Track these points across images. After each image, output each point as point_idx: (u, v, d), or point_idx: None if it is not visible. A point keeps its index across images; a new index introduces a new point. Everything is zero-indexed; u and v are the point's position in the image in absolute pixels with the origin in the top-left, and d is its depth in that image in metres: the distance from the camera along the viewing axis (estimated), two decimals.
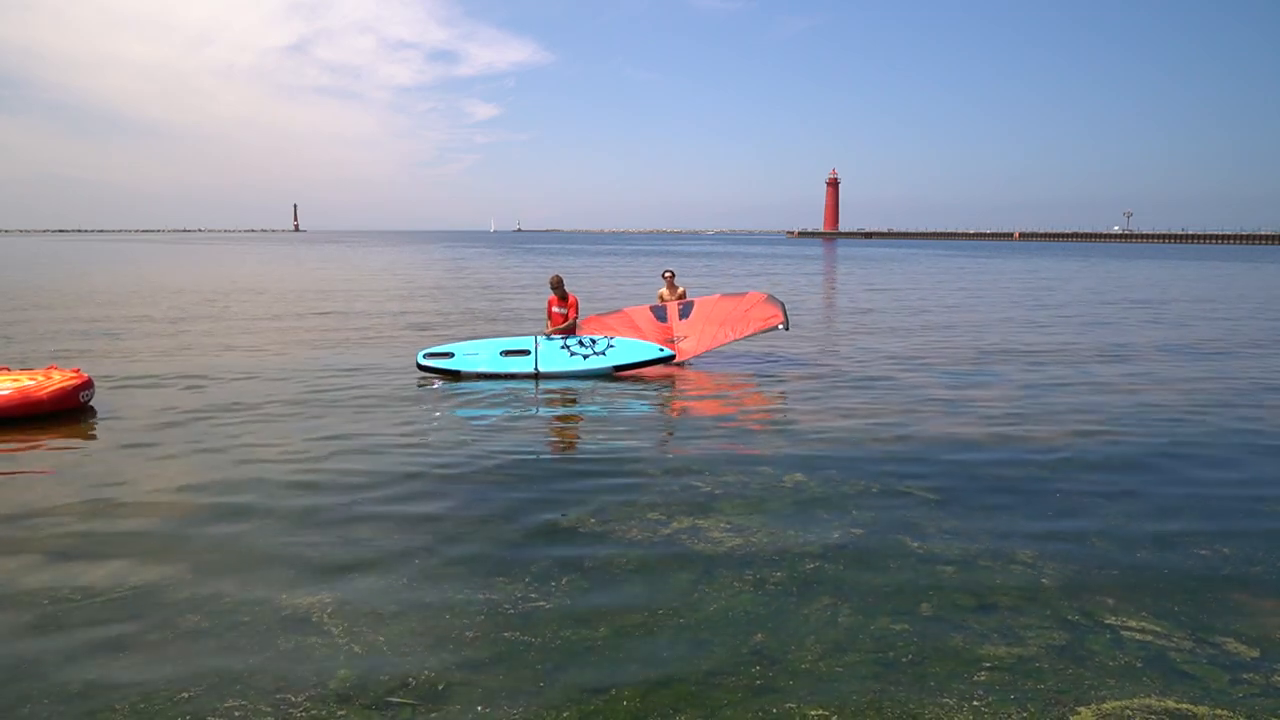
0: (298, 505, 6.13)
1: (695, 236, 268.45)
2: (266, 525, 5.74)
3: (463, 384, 10.95)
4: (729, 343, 12.18)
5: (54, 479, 6.84)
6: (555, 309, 12.02)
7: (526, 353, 11.44)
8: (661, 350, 11.41)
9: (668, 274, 13.60)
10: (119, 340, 15.14)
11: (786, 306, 12.24)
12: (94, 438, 8.17)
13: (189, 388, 10.59)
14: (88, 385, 9.16)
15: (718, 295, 12.87)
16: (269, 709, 3.57)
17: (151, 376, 11.36)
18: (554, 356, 11.38)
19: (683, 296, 12.98)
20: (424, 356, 11.60)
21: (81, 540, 5.46)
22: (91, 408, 9.17)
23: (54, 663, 3.95)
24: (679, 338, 12.16)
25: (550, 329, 11.98)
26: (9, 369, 9.46)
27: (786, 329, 11.98)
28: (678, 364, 11.92)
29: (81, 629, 4.27)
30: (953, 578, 4.90)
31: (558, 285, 12.08)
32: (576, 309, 12.01)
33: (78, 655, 4.01)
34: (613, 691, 3.70)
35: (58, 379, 8.92)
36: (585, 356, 11.34)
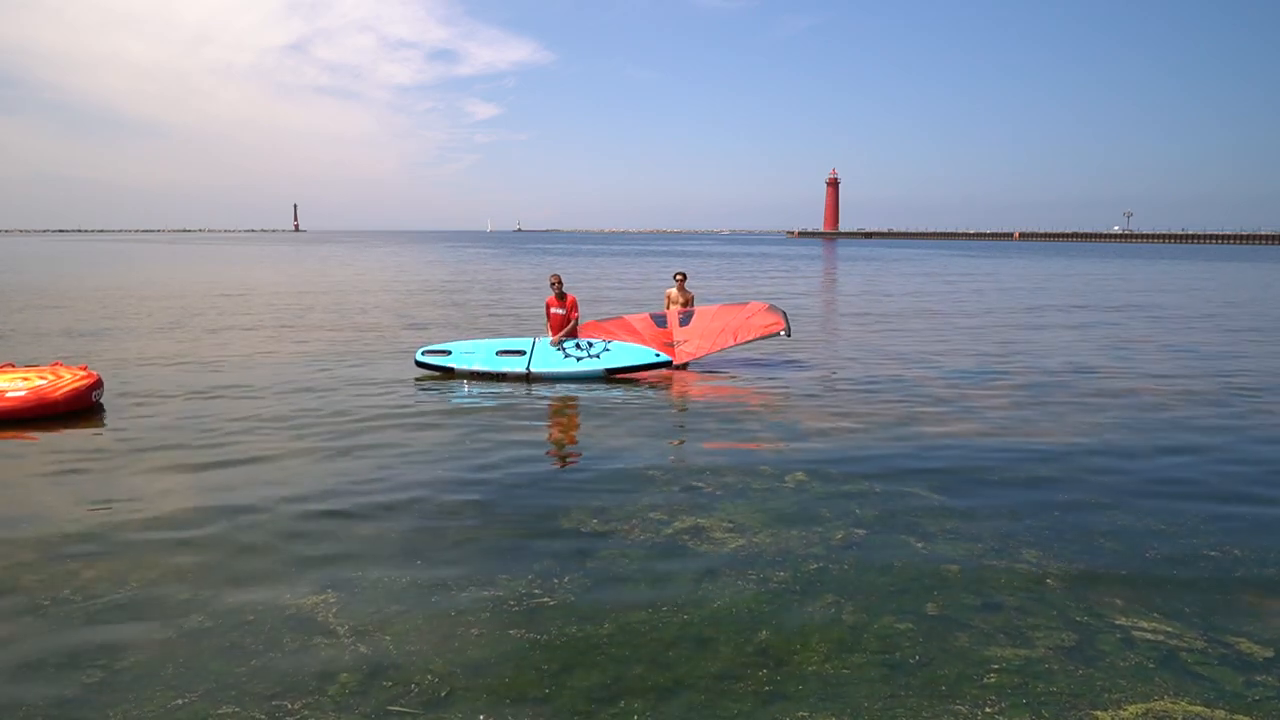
0: (303, 505, 6.09)
1: (710, 236, 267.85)
2: (272, 524, 5.71)
3: (464, 385, 10.91)
4: (729, 348, 12.09)
5: (62, 478, 6.80)
6: (554, 309, 11.82)
7: (522, 353, 11.40)
8: (658, 355, 11.28)
9: (679, 276, 13.07)
10: (118, 339, 15.10)
11: (788, 315, 12.16)
12: (102, 436, 8.13)
13: (192, 387, 10.54)
14: (98, 384, 9.14)
15: (719, 305, 12.85)
16: (264, 717, 3.49)
17: (154, 376, 11.33)
18: (548, 357, 11.32)
19: (690, 301, 12.84)
20: (423, 354, 11.60)
21: (86, 539, 5.42)
22: (100, 406, 9.14)
23: (56, 661, 3.91)
24: (678, 343, 12.07)
25: (551, 333, 11.80)
26: (14, 365, 9.43)
27: (788, 335, 11.93)
28: (678, 366, 11.83)
29: (85, 626, 4.24)
30: (957, 577, 4.87)
31: (557, 284, 11.81)
32: (575, 309, 11.81)
33: (80, 654, 3.97)
34: (622, 703, 3.63)
35: (68, 378, 8.88)
36: (579, 359, 11.27)
